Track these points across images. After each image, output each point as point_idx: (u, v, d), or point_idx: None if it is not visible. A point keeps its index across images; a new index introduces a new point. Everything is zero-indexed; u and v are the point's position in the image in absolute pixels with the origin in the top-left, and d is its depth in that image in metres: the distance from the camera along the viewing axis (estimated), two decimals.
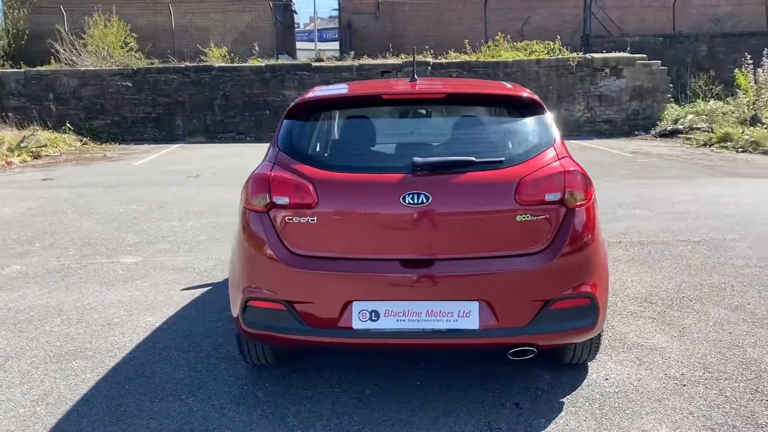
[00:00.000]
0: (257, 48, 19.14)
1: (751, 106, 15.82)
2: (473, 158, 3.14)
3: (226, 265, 6.02)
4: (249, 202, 3.32)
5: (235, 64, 18.03)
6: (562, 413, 3.27)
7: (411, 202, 3.07)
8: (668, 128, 16.51)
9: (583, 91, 17.56)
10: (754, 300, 4.83)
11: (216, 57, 18.90)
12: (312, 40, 41.04)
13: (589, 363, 3.77)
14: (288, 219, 3.19)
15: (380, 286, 3.12)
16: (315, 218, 3.15)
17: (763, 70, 15.53)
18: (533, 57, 17.88)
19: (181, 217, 8.13)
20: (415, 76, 3.77)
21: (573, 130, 16.88)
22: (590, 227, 3.21)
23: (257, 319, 3.30)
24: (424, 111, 3.60)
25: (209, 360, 4.00)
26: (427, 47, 18.69)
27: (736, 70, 16.55)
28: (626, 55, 17.69)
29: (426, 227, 3.10)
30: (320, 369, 3.80)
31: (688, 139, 15.48)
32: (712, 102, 17.39)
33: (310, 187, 3.16)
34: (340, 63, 18.03)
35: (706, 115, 16.46)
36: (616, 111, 17.69)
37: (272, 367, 3.82)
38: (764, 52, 15.85)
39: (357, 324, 3.11)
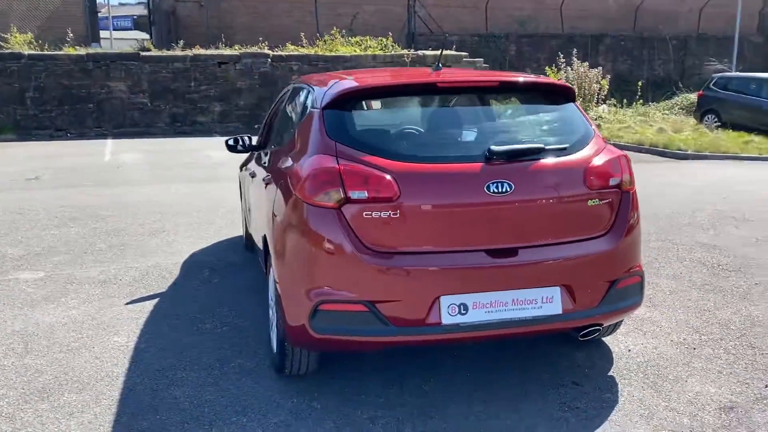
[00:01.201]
0: (71, 35, 17.20)
1: None
2: (543, 145, 3.20)
3: (155, 273, 5.45)
4: (312, 199, 3.05)
5: (50, 52, 16.05)
6: (620, 386, 3.47)
7: (495, 191, 3.05)
8: None
9: None
10: (682, 269, 5.47)
11: (20, 44, 16.67)
12: (105, 29, 38.01)
13: (603, 338, 4.01)
14: (366, 214, 3.00)
15: (468, 278, 3.06)
16: (397, 212, 2.99)
17: (572, 68, 17.39)
18: (369, 52, 18.24)
19: (57, 225, 7.13)
20: (440, 65, 3.73)
21: None
22: (637, 209, 3.43)
23: (330, 323, 3.06)
24: (473, 99, 3.56)
25: (228, 376, 3.62)
26: (261, 39, 18.22)
27: (548, 68, 18.33)
28: (454, 52, 18.74)
29: (509, 216, 3.11)
30: (357, 372, 3.62)
31: None
32: None
33: (391, 180, 2.99)
34: (171, 53, 16.88)
35: None
36: None
37: (307, 377, 3.55)
38: (574, 52, 17.78)
39: (447, 319, 3.02)
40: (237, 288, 5.11)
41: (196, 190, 9.15)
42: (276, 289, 3.34)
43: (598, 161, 3.27)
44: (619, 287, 3.29)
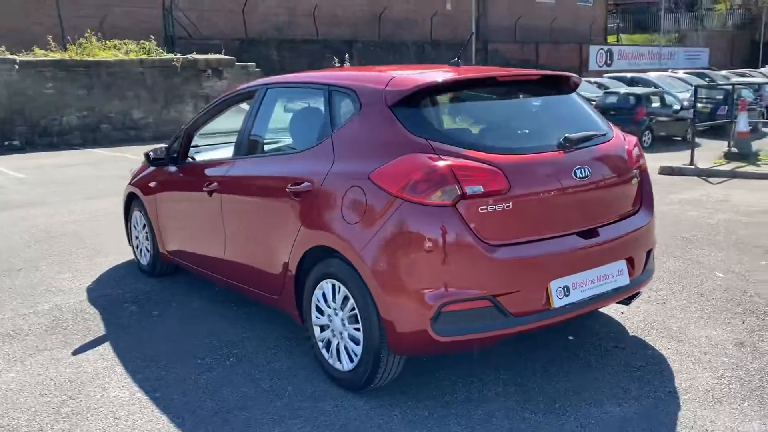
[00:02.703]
0: None
1: None
2: (596, 132, 3.48)
3: (69, 317, 4.56)
4: (425, 199, 2.93)
5: None
6: (650, 343, 3.90)
7: (581, 175, 3.24)
8: None
9: (190, 92, 17.42)
10: None
11: None
12: None
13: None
14: (481, 209, 2.97)
15: (568, 260, 3.20)
16: (509, 203, 3.02)
17: None
18: (134, 57, 16.86)
19: None
20: (458, 60, 3.79)
21: None
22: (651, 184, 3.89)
23: (455, 324, 2.98)
24: (524, 91, 3.65)
25: (299, 404, 3.27)
26: None
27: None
28: (226, 57, 18.21)
29: (590, 198, 3.32)
30: (420, 375, 3.52)
31: None
32: None
33: (501, 173, 3.00)
34: None
35: None
36: None
37: (383, 390, 3.36)
38: (344, 56, 18.52)
39: (557, 302, 3.14)
40: (189, 317, 4.54)
41: (3, 220, 7.71)
42: (371, 299, 3.09)
43: (630, 144, 3.66)
44: (651, 257, 3.72)
